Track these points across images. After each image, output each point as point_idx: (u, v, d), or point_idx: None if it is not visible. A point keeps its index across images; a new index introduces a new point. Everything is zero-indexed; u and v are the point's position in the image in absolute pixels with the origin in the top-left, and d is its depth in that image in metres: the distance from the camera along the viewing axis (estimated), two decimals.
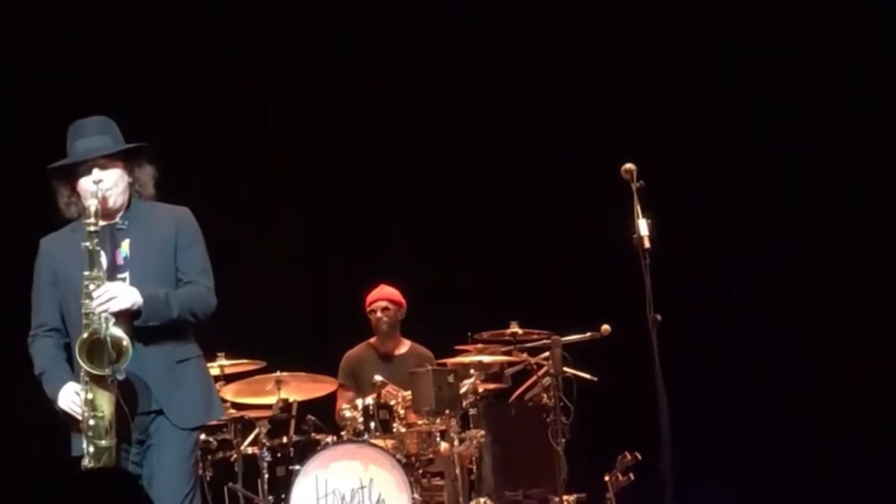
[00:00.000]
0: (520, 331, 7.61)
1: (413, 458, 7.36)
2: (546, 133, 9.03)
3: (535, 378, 7.53)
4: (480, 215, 9.15)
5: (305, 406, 7.78)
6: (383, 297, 8.28)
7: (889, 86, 8.56)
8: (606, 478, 7.54)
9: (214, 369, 7.29)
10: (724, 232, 8.79)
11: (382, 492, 7.16)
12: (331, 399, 8.09)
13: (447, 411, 7.32)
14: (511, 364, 7.67)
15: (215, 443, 7.53)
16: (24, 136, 8.19)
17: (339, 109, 9.19)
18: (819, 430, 8.48)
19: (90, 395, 4.91)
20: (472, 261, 9.11)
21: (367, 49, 9.15)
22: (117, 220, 5.15)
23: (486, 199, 9.12)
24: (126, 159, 5.17)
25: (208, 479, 7.44)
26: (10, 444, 8.14)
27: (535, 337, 7.57)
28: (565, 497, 7.28)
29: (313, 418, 7.70)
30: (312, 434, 7.58)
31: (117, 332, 4.90)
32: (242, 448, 7.54)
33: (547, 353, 7.39)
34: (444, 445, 7.38)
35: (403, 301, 8.30)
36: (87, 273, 4.94)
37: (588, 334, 7.46)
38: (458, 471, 7.33)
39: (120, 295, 4.94)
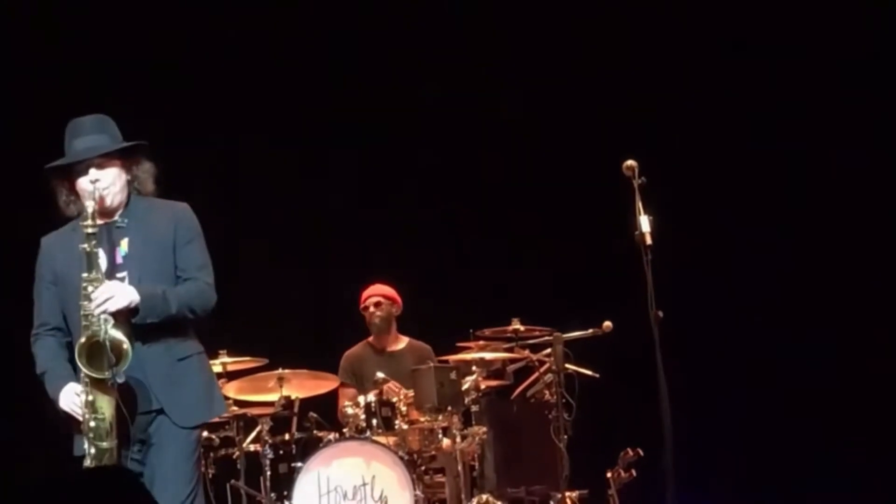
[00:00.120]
0: (522, 327, 7.62)
1: (415, 455, 7.37)
2: (547, 130, 9.03)
3: (536, 375, 7.54)
4: (482, 213, 9.15)
5: (307, 403, 7.79)
6: (375, 293, 8.31)
7: (889, 85, 8.55)
8: (608, 474, 7.55)
9: (216, 367, 7.30)
10: (724, 229, 8.79)
11: (385, 489, 7.17)
12: (333, 396, 8.09)
13: (449, 408, 7.32)
14: (513, 361, 7.68)
15: (217, 440, 7.54)
16: (25, 134, 8.21)
17: (341, 108, 9.17)
18: (820, 428, 8.48)
19: (90, 398, 4.91)
20: (474, 258, 9.11)
21: (367, 47, 9.15)
22: (116, 218, 5.14)
23: (487, 196, 9.12)
24: (124, 157, 5.15)
25: (210, 476, 7.46)
26: (11, 443, 8.14)
27: (537, 334, 7.58)
28: (567, 494, 7.29)
29: (315, 415, 7.71)
30: (314, 431, 7.59)
31: (117, 334, 4.88)
32: (245, 445, 7.55)
33: (549, 350, 7.39)
34: (446, 442, 7.38)
35: (398, 297, 8.32)
36: (85, 275, 4.93)
37: (590, 331, 7.46)
38: (460, 467, 7.34)
39: (117, 294, 4.93)
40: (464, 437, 7.35)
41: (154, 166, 5.23)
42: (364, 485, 7.19)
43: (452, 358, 7.64)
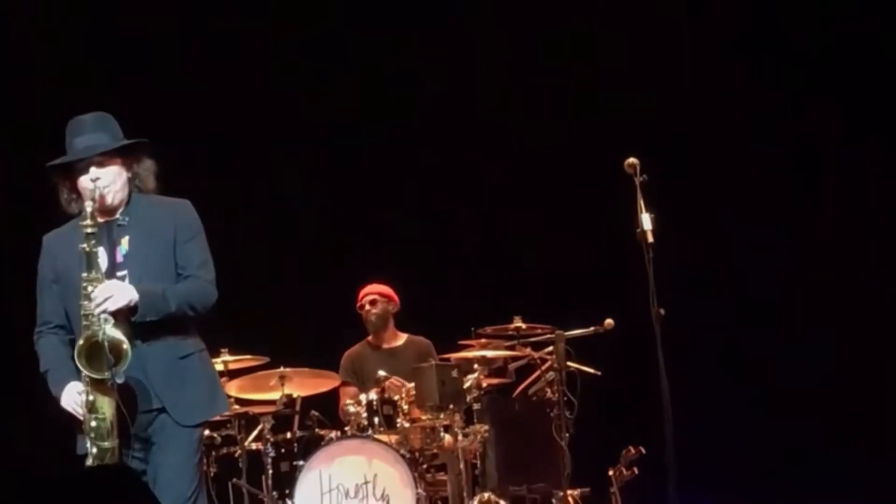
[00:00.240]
0: (523, 325, 7.62)
1: (417, 453, 7.37)
2: (549, 127, 9.02)
3: (538, 373, 7.54)
4: (484, 211, 9.14)
5: (309, 401, 7.79)
6: (371, 292, 8.33)
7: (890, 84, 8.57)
8: (610, 472, 7.55)
9: (218, 365, 7.28)
10: (726, 227, 8.79)
11: (386, 487, 7.17)
12: (334, 394, 8.10)
13: (451, 406, 7.33)
14: (515, 359, 7.67)
15: (219, 438, 7.55)
16: (25, 133, 8.22)
17: (344, 106, 9.17)
18: (822, 425, 8.48)
19: (91, 398, 4.90)
20: (476, 256, 9.10)
21: (367, 46, 9.14)
22: (117, 216, 5.13)
23: (489, 194, 9.12)
24: (125, 155, 5.14)
25: (212, 474, 7.46)
26: (14, 442, 8.15)
27: (539, 332, 7.58)
28: (569, 491, 7.29)
29: (317, 414, 7.72)
30: (316, 429, 7.59)
31: (117, 334, 4.87)
32: (246, 444, 7.55)
33: (550, 348, 7.39)
34: (447, 440, 7.38)
35: (394, 295, 8.34)
36: (84, 275, 4.92)
37: (591, 329, 7.46)
38: (461, 465, 7.34)
39: (116, 293, 4.92)
40: (465, 436, 7.35)
41: (155, 164, 5.22)
42: (366, 483, 7.19)
43: (454, 356, 7.65)
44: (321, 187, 9.21)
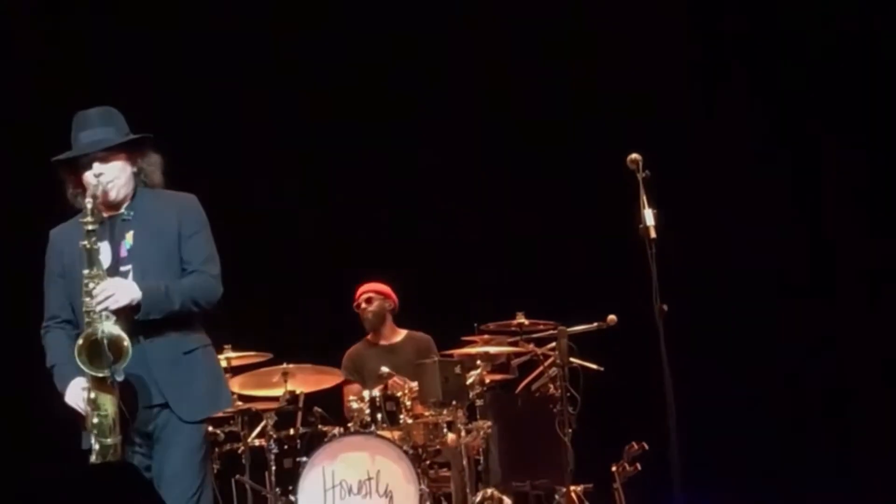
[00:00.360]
0: (526, 321, 7.62)
1: (420, 450, 7.37)
2: (551, 124, 9.02)
3: (541, 369, 7.53)
4: (486, 207, 9.14)
5: (312, 398, 7.79)
6: (367, 290, 8.36)
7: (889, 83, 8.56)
8: (613, 468, 7.56)
9: (221, 362, 7.28)
10: (728, 225, 8.79)
11: (390, 483, 7.17)
12: (337, 390, 8.10)
13: (454, 402, 7.33)
14: (518, 355, 7.68)
15: (222, 435, 7.54)
16: (27, 129, 8.23)
17: (347, 104, 9.17)
18: (824, 423, 8.48)
19: (93, 395, 4.90)
20: (479, 252, 9.10)
21: (368, 44, 9.14)
22: (122, 210, 5.13)
23: (491, 190, 9.12)
24: (129, 150, 5.14)
25: (216, 471, 7.44)
26: (16, 437, 8.16)
27: (542, 327, 7.58)
28: (572, 487, 7.28)
29: (320, 410, 7.72)
30: (319, 426, 7.59)
31: (117, 331, 4.87)
32: (249, 440, 7.55)
33: (553, 344, 7.39)
34: (450, 436, 7.38)
35: (390, 292, 8.35)
36: (86, 271, 4.92)
37: (594, 324, 7.46)
38: (465, 462, 7.34)
39: (118, 292, 4.91)
40: (468, 432, 7.36)
41: (161, 158, 5.21)
42: (369, 479, 7.19)
43: (457, 352, 7.65)
44: (323, 184, 9.22)
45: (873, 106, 8.58)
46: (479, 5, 9.16)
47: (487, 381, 7.56)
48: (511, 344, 7.65)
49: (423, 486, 7.15)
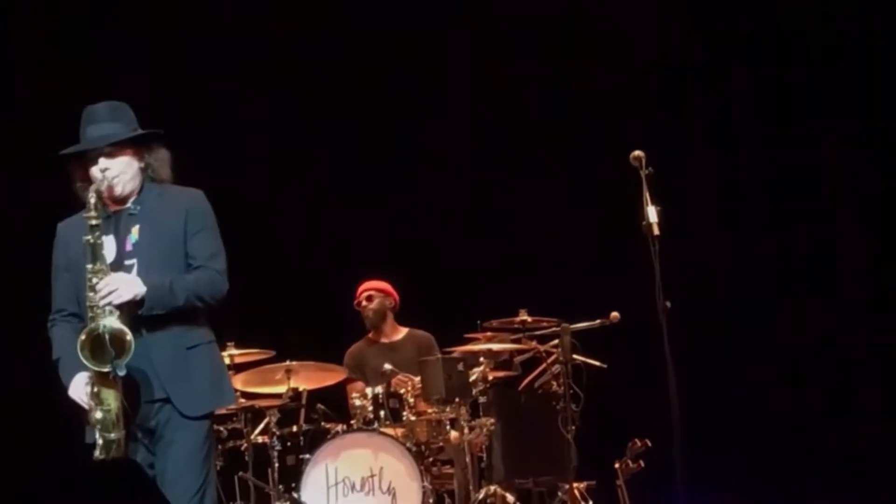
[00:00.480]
0: (529, 318, 7.62)
1: (423, 447, 7.38)
2: (553, 121, 9.01)
3: (544, 366, 7.54)
4: (489, 204, 9.14)
5: (315, 395, 7.80)
6: (367, 288, 8.40)
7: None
8: (616, 465, 7.55)
9: (224, 359, 7.29)
10: (730, 220, 8.79)
11: (393, 480, 7.18)
12: (340, 388, 8.10)
13: (457, 399, 7.33)
14: (520, 352, 7.68)
15: (225, 432, 7.56)
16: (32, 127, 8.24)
17: (347, 105, 9.17)
18: (827, 421, 8.48)
19: (96, 389, 4.90)
20: (481, 249, 9.10)
21: (369, 44, 9.14)
22: (129, 205, 5.13)
23: (494, 186, 9.12)
24: (136, 145, 5.14)
25: (219, 468, 7.44)
26: (20, 433, 8.17)
27: (545, 324, 7.58)
28: (575, 484, 7.28)
29: (323, 407, 7.73)
30: (322, 423, 7.60)
31: (119, 326, 4.86)
32: (252, 437, 7.56)
33: (556, 341, 7.39)
34: (453, 433, 7.38)
35: (391, 290, 8.37)
36: (89, 266, 4.92)
37: (597, 321, 7.45)
38: (468, 459, 7.35)
39: (121, 287, 4.91)
40: (471, 429, 7.36)
41: (169, 153, 5.21)
42: (372, 476, 7.20)
43: (460, 349, 7.65)
44: (326, 180, 9.21)
45: (873, 106, 8.57)
46: (479, 5, 9.16)
47: (490, 378, 7.56)
48: (514, 341, 7.65)
49: (425, 484, 7.16)
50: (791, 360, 8.61)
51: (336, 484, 7.20)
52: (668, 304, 5.79)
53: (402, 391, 7.50)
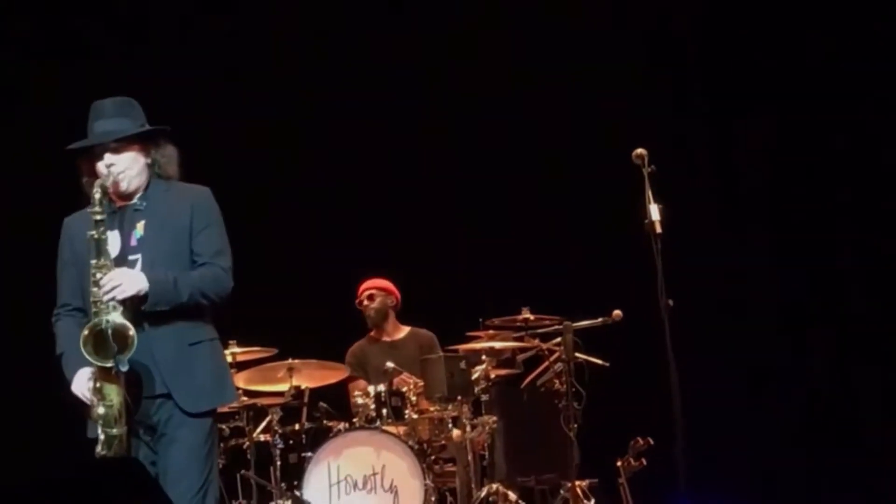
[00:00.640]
0: (531, 316, 7.62)
1: (425, 445, 7.38)
2: (555, 119, 9.01)
3: (546, 364, 7.54)
4: (491, 202, 9.14)
5: (317, 393, 7.80)
6: (369, 287, 8.41)
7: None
8: (619, 463, 7.55)
9: (226, 357, 7.28)
10: (731, 219, 8.79)
11: (395, 478, 7.18)
12: (342, 386, 8.10)
13: (459, 397, 7.34)
14: (523, 350, 7.68)
15: (227, 430, 7.56)
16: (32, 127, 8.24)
17: (350, 103, 9.17)
18: (829, 419, 8.48)
19: (98, 385, 4.90)
20: (484, 247, 9.10)
21: (369, 43, 9.14)
22: (135, 200, 5.13)
23: (496, 186, 9.11)
24: (143, 141, 5.14)
25: (221, 466, 7.44)
26: (22, 428, 8.18)
27: (547, 323, 7.57)
28: (577, 482, 7.29)
29: (325, 405, 7.73)
30: (324, 421, 7.60)
31: (122, 321, 4.86)
32: (255, 435, 7.56)
33: (559, 339, 7.38)
34: (456, 432, 7.39)
35: (393, 289, 8.38)
36: (93, 262, 4.92)
37: (600, 320, 7.45)
38: (470, 457, 7.35)
39: (125, 282, 4.91)
40: (474, 427, 7.36)
41: (177, 150, 5.20)
42: (374, 474, 7.20)
43: (462, 347, 7.65)
44: (328, 180, 9.21)
45: (874, 105, 8.57)
46: (480, 5, 9.15)
47: (493, 376, 7.56)
48: (516, 339, 7.65)
49: (428, 482, 7.16)
50: (792, 359, 8.60)
51: (338, 482, 7.20)
52: (671, 302, 5.79)
53: (405, 389, 7.50)
